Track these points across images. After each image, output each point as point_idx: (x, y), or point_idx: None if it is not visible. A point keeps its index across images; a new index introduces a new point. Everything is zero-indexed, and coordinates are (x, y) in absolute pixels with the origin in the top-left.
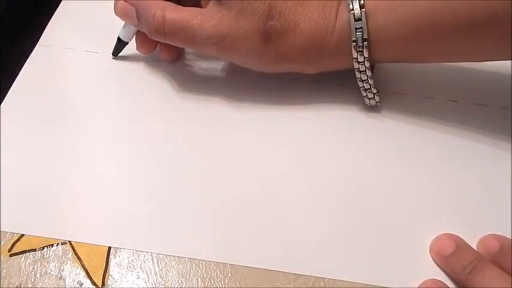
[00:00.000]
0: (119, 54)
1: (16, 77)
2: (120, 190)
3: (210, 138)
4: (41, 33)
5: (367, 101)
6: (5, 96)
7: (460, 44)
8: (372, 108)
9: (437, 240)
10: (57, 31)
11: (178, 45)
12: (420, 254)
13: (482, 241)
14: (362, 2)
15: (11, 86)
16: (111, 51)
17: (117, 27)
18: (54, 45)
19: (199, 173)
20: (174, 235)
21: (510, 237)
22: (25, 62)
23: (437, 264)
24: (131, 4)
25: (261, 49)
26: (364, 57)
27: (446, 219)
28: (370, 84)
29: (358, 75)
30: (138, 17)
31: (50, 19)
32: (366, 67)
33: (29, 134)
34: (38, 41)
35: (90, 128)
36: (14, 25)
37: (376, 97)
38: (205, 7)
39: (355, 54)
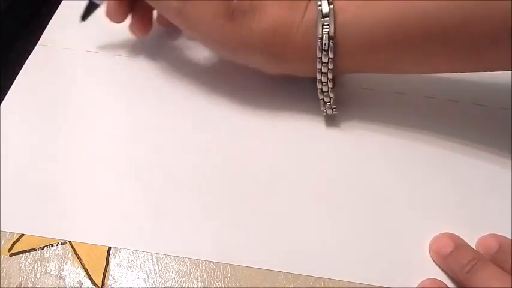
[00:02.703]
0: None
1: (16, 76)
2: (120, 190)
3: (207, 139)
4: (41, 33)
5: (324, 112)
6: (5, 96)
7: (431, 52)
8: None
9: (436, 239)
10: (57, 31)
11: None
12: (419, 254)
13: (481, 241)
14: None
15: (11, 85)
16: (81, 15)
17: (117, 27)
18: (54, 45)
19: (199, 173)
20: (174, 235)
21: (510, 237)
22: (25, 61)
23: (436, 264)
24: None
25: (224, 26)
26: (329, 58)
27: (445, 219)
28: (331, 97)
29: (319, 85)
30: None
31: (50, 19)
32: (328, 78)
33: (29, 133)
34: (38, 40)
35: (90, 127)
36: (14, 25)
37: (334, 111)
38: None
39: (319, 54)
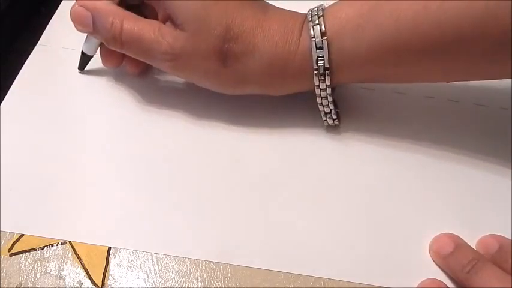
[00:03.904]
0: (86, 68)
1: (16, 76)
2: (120, 190)
3: (208, 142)
4: (41, 33)
5: (325, 122)
6: (4, 96)
7: (429, 66)
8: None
9: (436, 239)
10: (57, 31)
11: (135, 57)
12: (420, 254)
13: (481, 241)
14: (324, 28)
15: (11, 85)
16: (78, 66)
17: None
18: (54, 45)
19: (199, 173)
20: (174, 235)
21: (510, 238)
22: (25, 61)
23: (436, 264)
24: (87, 9)
25: (219, 71)
26: (326, 85)
27: (446, 220)
28: (331, 109)
29: (319, 100)
30: (94, 24)
31: (50, 19)
32: (327, 93)
33: (29, 133)
34: (38, 40)
35: (90, 127)
36: (14, 25)
37: (335, 122)
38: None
39: (316, 82)
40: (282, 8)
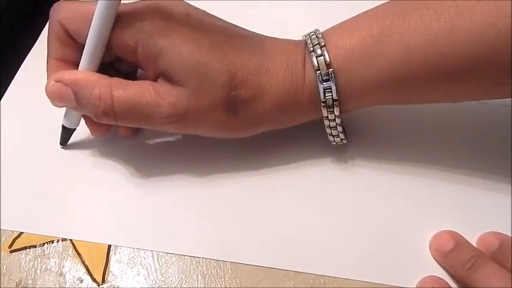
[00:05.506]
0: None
1: (16, 73)
2: (121, 188)
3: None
4: (41, 31)
5: (334, 143)
6: (4, 93)
7: (437, 92)
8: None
9: (436, 236)
10: None
11: (133, 126)
12: (420, 252)
13: (481, 238)
14: (328, 60)
15: (11, 82)
16: (60, 141)
17: None
18: None
19: (200, 172)
20: (175, 233)
21: (510, 235)
22: (25, 58)
23: (436, 261)
24: (66, 84)
25: (228, 119)
26: (335, 115)
27: (446, 217)
28: (342, 139)
29: (328, 130)
30: (77, 99)
31: None
32: (336, 123)
33: (29, 130)
34: (38, 38)
35: None
36: (15, 22)
37: (344, 142)
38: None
39: (325, 113)
40: (276, 38)
